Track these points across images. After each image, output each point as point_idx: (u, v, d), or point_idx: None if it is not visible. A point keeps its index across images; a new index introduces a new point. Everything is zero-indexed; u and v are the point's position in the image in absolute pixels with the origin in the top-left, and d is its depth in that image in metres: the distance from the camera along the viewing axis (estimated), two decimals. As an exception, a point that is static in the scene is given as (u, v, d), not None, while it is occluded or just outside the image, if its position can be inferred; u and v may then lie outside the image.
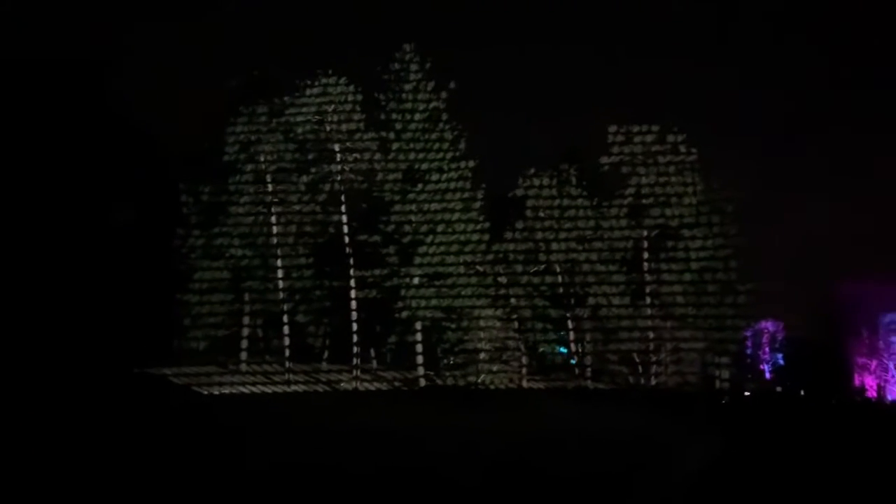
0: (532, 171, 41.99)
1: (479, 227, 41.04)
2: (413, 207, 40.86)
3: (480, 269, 40.92)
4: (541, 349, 42.50)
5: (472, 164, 41.58)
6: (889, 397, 57.16)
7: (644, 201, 41.35)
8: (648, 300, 40.96)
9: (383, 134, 41.81)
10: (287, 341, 40.07)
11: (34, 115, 37.72)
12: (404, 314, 40.13)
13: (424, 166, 41.39)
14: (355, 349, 39.92)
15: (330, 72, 41.76)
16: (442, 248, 40.58)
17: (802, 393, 54.55)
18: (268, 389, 38.97)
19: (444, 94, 42.03)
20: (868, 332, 57.13)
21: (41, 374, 28.52)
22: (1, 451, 17.68)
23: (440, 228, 40.73)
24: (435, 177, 41.21)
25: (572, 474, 17.04)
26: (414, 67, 42.40)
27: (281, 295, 40.52)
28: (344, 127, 41.35)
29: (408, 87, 42.16)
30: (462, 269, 40.58)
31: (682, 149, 41.73)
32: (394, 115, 42.00)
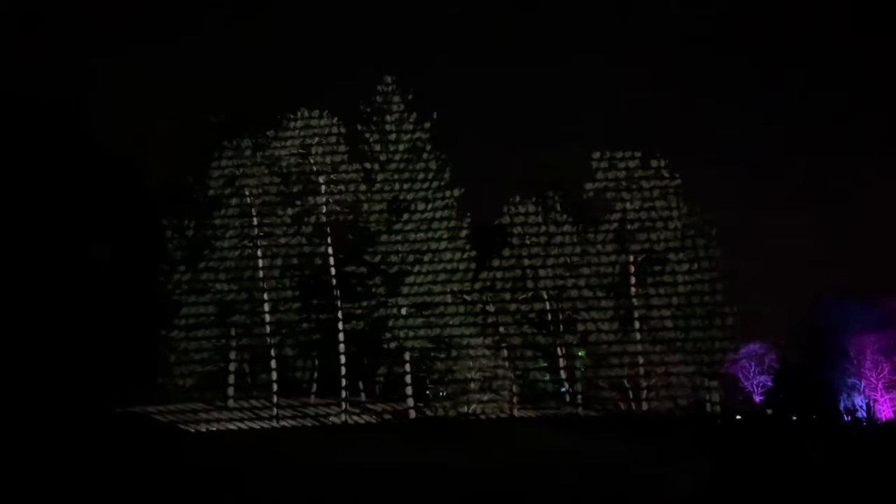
0: (517, 198, 42.17)
1: (465, 255, 40.99)
2: (399, 238, 40.79)
3: (468, 297, 40.78)
4: (531, 377, 42.26)
5: (456, 193, 41.68)
6: (879, 416, 57.24)
7: (629, 226, 41.54)
8: (637, 325, 40.93)
9: (367, 166, 41.88)
10: (274, 376, 39.59)
11: (13, 153, 37.49)
12: (392, 345, 39.84)
13: (409, 196, 41.41)
14: (343, 382, 39.49)
15: (312, 108, 41.93)
16: (429, 278, 40.44)
17: (793, 416, 54.51)
18: (255, 425, 38.39)
19: (427, 125, 42.27)
20: (856, 353, 57.37)
21: (22, 412, 28.00)
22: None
23: (427, 258, 40.64)
24: (420, 206, 41.21)
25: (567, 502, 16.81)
26: (396, 99, 42.64)
27: (267, 329, 40.14)
28: (328, 159, 41.36)
29: (390, 118, 42.35)
30: (450, 299, 40.43)
31: (665, 174, 42.07)
32: (377, 147, 42.11)
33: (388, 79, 42.81)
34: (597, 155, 41.91)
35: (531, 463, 26.29)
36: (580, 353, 41.85)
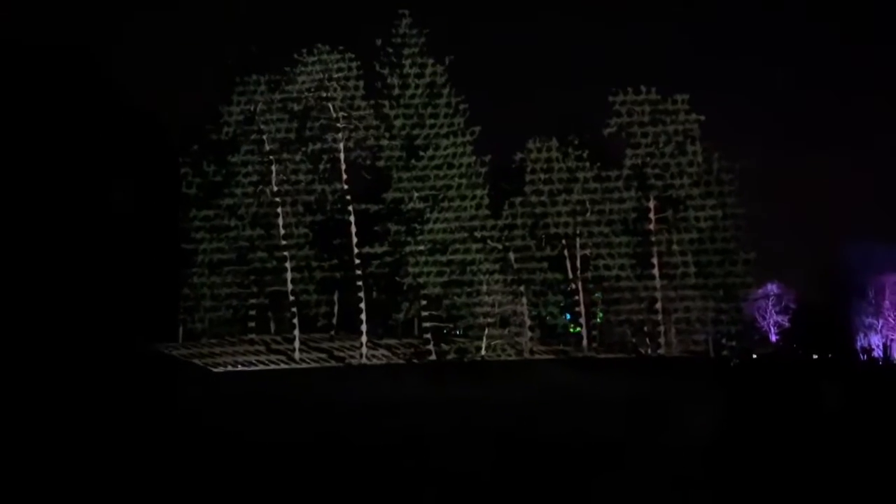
0: (536, 139, 41.78)
1: (482, 195, 40.80)
2: (416, 175, 40.60)
3: (486, 235, 40.70)
4: (548, 318, 42.47)
5: (474, 132, 41.29)
6: (895, 356, 57.24)
7: (648, 167, 41.10)
8: (654, 265, 40.81)
9: (384, 104, 41.52)
10: (294, 316, 40.00)
11: (35, 101, 37.49)
12: (411, 285, 39.99)
13: (427, 134, 41.04)
14: (363, 322, 39.85)
15: (327, 45, 41.51)
16: (447, 216, 40.37)
17: (810, 355, 54.63)
18: (275, 365, 38.96)
19: (445, 63, 41.67)
20: (873, 293, 57.14)
21: (49, 355, 28.63)
22: (15, 431, 17.79)
23: (443, 198, 40.51)
24: (438, 145, 40.86)
25: (579, 442, 17.07)
26: (413, 39, 41.95)
27: (287, 268, 40.42)
28: (345, 97, 40.99)
29: (408, 55, 41.73)
30: (467, 238, 40.40)
31: (685, 115, 41.40)
32: (394, 85, 41.62)
33: (406, 13, 42.09)
34: (616, 95, 41.33)
35: (546, 401, 26.64)
36: (597, 295, 41.89)
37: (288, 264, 40.40)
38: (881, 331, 57.48)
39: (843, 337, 58.61)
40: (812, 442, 16.48)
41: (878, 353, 58.26)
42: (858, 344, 59.16)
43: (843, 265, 56.98)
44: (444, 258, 40.18)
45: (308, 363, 39.26)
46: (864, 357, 58.20)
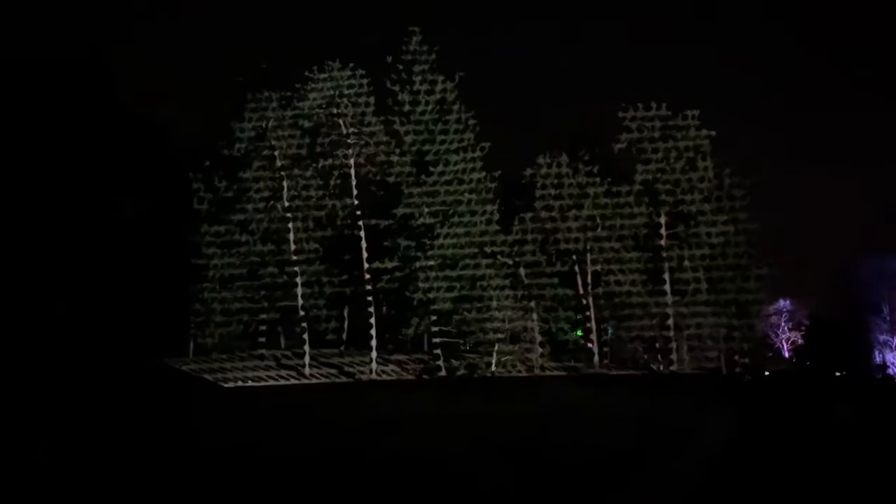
0: (546, 154, 41.83)
1: (492, 211, 40.82)
2: (427, 191, 40.65)
3: (496, 251, 40.65)
4: (558, 334, 42.31)
5: (484, 148, 41.36)
6: (911, 374, 56.62)
7: (660, 183, 41.01)
8: (666, 281, 40.62)
9: (395, 120, 41.74)
10: (304, 332, 39.98)
11: (47, 117, 37.89)
12: (421, 301, 39.93)
13: (437, 150, 41.17)
14: (373, 338, 39.78)
15: (338, 63, 41.84)
16: (457, 231, 40.38)
17: (826, 373, 54.06)
18: (284, 381, 38.91)
19: (455, 79, 41.90)
20: (888, 309, 56.67)
21: (59, 369, 28.71)
22: (15, 443, 17.81)
23: (453, 213, 40.55)
24: (448, 161, 40.97)
25: (590, 456, 16.93)
26: (423, 56, 42.23)
27: (297, 284, 40.47)
28: (355, 114, 41.25)
29: (418, 74, 42.00)
30: (477, 253, 40.38)
31: (695, 130, 41.38)
32: (405, 101, 41.84)
33: (416, 36, 42.41)
34: (626, 111, 41.41)
35: (556, 415, 26.47)
36: (607, 314, 41.72)
37: (299, 279, 40.48)
38: (896, 348, 56.93)
39: (858, 354, 58.07)
40: (826, 459, 16.28)
41: (893, 370, 57.65)
42: (873, 361, 58.59)
43: (858, 281, 56.58)
44: (454, 273, 40.14)
45: (318, 378, 39.19)
46: (879, 375, 57.61)
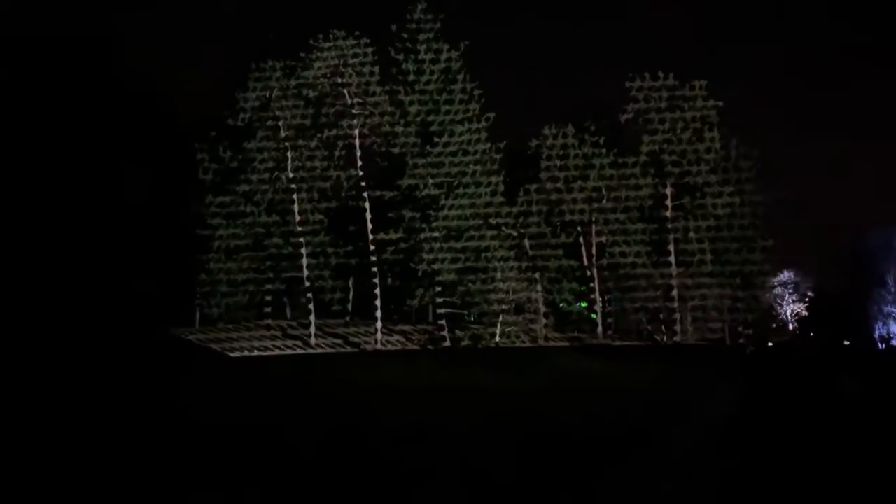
0: (552, 125, 41.60)
1: (497, 182, 40.69)
2: (431, 161, 40.51)
3: (500, 222, 40.62)
4: (562, 305, 42.43)
5: (489, 118, 41.12)
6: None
7: (666, 154, 40.80)
8: (671, 252, 40.59)
9: (399, 90, 41.45)
10: (310, 303, 40.15)
11: (50, 89, 37.72)
12: (425, 271, 40.01)
13: (442, 120, 40.94)
14: (378, 308, 39.93)
15: (343, 31, 41.48)
16: (462, 202, 40.30)
17: (830, 344, 54.22)
18: (290, 350, 39.19)
19: (460, 48, 41.53)
20: (893, 280, 56.62)
21: (65, 341, 28.89)
22: (27, 415, 17.99)
23: (458, 184, 40.45)
24: (453, 132, 40.74)
25: (595, 429, 17.03)
26: (428, 24, 41.81)
27: (302, 255, 40.55)
28: (360, 83, 40.96)
29: (423, 43, 41.61)
30: (481, 225, 40.34)
31: (702, 101, 41.04)
32: (410, 71, 41.52)
33: (420, 4, 41.94)
34: (633, 81, 41.06)
35: (560, 386, 26.61)
36: (612, 285, 41.76)
37: (304, 250, 40.56)
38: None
39: (862, 325, 58.15)
40: (830, 431, 16.37)
41: (897, 341, 57.72)
42: (877, 332, 58.68)
43: (863, 252, 56.47)
44: (458, 245, 40.16)
45: (324, 348, 39.46)
46: (882, 346, 57.75)
